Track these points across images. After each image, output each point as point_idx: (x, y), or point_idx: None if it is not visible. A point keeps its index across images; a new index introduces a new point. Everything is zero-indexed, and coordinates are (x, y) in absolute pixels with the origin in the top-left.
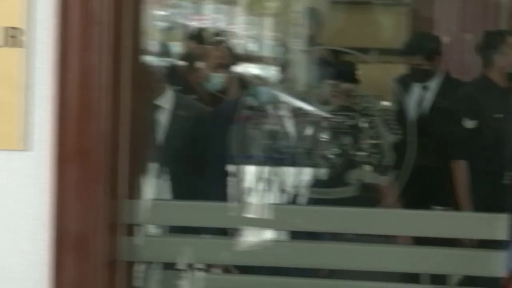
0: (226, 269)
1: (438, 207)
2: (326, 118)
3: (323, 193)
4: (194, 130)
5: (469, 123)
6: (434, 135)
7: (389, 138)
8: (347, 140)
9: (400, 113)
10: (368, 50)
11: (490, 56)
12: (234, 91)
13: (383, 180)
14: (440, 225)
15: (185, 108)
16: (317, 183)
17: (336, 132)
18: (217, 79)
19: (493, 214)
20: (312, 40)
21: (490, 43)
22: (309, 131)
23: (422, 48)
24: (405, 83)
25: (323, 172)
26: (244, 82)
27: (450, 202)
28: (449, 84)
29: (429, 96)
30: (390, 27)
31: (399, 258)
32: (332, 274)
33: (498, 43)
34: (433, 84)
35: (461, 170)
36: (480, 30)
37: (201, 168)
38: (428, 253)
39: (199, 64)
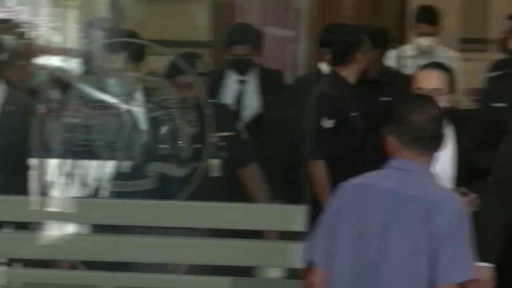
0: (73, 266)
1: (279, 201)
2: (127, 110)
3: (123, 185)
4: (17, 125)
5: (327, 123)
6: (269, 131)
7: (187, 131)
8: (147, 132)
9: (209, 106)
10: (172, 43)
11: (345, 54)
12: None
13: (181, 172)
14: (240, 216)
15: (15, 103)
16: (118, 176)
17: (137, 124)
18: (39, 76)
19: (291, 206)
20: (116, 32)
21: (349, 41)
22: (110, 123)
23: (247, 39)
24: (218, 76)
25: (123, 165)
26: (54, 76)
27: (290, 195)
28: (270, 77)
29: (250, 90)
30: (194, 20)
31: (198, 250)
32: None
33: (358, 42)
34: (251, 78)
35: (318, 169)
36: (281, 24)
37: (11, 162)
38: (228, 245)
39: (19, 61)
